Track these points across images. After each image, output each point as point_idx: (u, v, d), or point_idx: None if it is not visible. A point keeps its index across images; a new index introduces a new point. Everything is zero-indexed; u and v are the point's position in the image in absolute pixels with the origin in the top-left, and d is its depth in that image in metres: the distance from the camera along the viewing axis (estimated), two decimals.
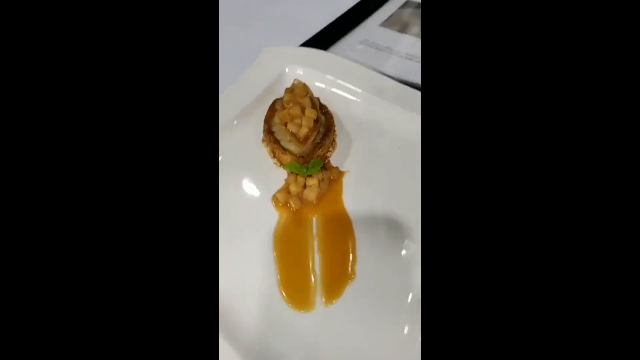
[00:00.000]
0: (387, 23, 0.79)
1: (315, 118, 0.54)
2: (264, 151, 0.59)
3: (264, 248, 0.49)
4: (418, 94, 0.61)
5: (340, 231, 0.49)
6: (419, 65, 0.70)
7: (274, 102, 0.60)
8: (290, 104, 0.55)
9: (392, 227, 0.49)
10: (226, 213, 0.51)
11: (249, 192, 0.54)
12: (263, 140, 0.59)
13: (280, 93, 0.63)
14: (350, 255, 0.47)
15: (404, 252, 0.47)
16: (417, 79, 0.66)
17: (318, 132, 0.54)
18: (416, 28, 0.78)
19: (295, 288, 0.45)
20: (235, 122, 0.60)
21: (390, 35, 0.76)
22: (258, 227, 0.51)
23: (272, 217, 0.52)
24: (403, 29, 0.78)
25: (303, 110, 0.54)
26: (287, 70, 0.67)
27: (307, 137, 0.53)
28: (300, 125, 0.53)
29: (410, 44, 0.74)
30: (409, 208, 0.50)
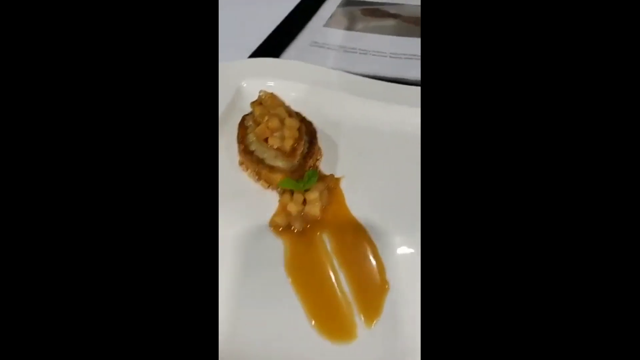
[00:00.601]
0: (331, 22, 0.78)
1: (298, 127, 0.49)
2: (243, 176, 0.52)
3: (279, 283, 0.42)
4: (387, 85, 0.60)
5: (357, 241, 0.45)
6: (375, 57, 0.69)
7: (243, 119, 0.53)
8: (266, 117, 0.49)
9: (405, 223, 0.46)
10: (225, 256, 0.43)
11: (241, 226, 0.47)
12: (241, 164, 0.52)
13: (242, 110, 0.57)
14: (376, 264, 0.43)
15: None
16: (378, 71, 0.65)
17: (304, 141, 0.49)
18: (360, 24, 0.77)
19: (329, 318, 0.39)
20: None
21: (338, 34, 0.75)
22: (264, 261, 0.44)
23: (276, 246, 0.45)
24: (348, 26, 0.77)
25: (282, 121, 0.49)
26: (244, 84, 0.61)
27: (295, 148, 0.48)
28: (283, 138, 0.48)
29: (360, 40, 0.73)
30: (414, 199, 0.47)
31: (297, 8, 0.79)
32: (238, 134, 0.52)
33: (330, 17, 0.79)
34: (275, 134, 0.48)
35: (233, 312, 0.40)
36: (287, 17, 0.77)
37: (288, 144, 0.47)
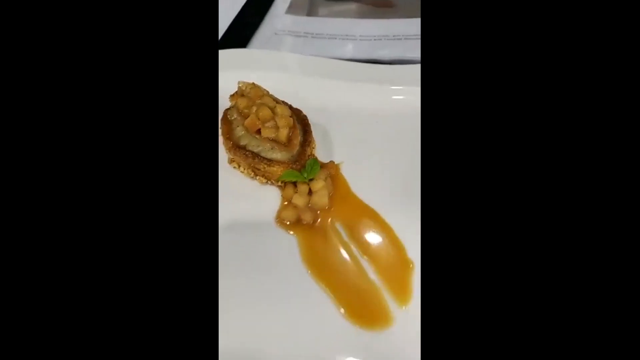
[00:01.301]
0: (292, 9, 0.75)
1: (290, 114, 0.46)
2: (235, 174, 0.48)
3: (298, 278, 0.39)
4: (364, 66, 0.59)
5: (372, 224, 0.43)
6: (345, 41, 0.68)
7: (225, 113, 0.49)
8: (254, 108, 0.46)
9: (411, 197, 0.45)
10: (235, 261, 0.40)
11: (245, 227, 0.43)
12: (232, 161, 0.48)
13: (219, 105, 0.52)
14: (395, 244, 0.42)
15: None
16: (353, 54, 0.64)
17: (299, 129, 0.46)
18: (323, 9, 0.75)
19: (364, 307, 0.37)
20: None
21: (302, 21, 0.72)
22: (278, 259, 0.41)
23: (288, 243, 0.42)
24: (310, 12, 0.74)
25: (273, 110, 0.45)
26: None
27: (291, 137, 0.45)
28: (277, 127, 0.45)
29: (326, 25, 0.71)
30: (414, 173, 0.47)
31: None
32: (222, 130, 0.48)
33: (290, 4, 0.76)
34: (267, 124, 0.45)
35: (259, 315, 0.37)
36: (245, 6, 0.73)
37: (283, 134, 0.44)
